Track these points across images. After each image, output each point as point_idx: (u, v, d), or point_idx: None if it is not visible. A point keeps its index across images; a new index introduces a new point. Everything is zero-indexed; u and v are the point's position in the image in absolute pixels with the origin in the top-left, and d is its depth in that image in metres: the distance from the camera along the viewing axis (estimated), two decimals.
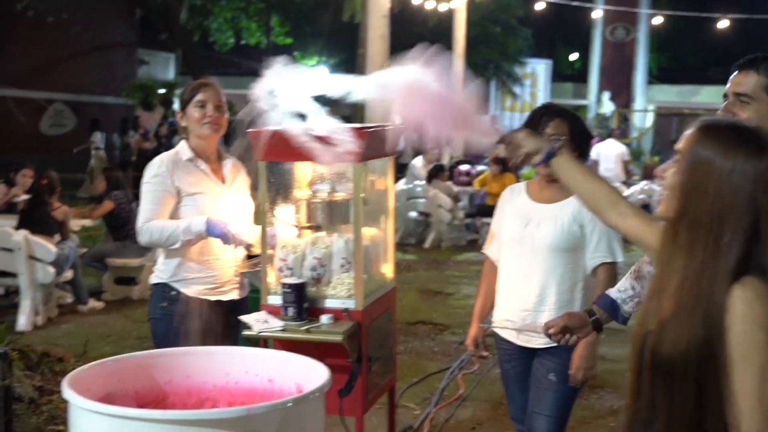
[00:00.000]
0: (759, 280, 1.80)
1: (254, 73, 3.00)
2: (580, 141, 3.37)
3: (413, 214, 12.07)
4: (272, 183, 3.53)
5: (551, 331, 2.81)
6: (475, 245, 12.32)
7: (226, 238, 3.54)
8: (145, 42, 26.84)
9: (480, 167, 14.54)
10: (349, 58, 24.51)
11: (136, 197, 9.10)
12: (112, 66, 24.24)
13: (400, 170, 17.19)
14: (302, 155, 3.23)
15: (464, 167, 13.80)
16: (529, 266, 3.39)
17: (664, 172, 1.94)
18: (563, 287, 3.36)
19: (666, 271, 1.92)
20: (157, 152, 17.82)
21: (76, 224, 8.61)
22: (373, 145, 3.41)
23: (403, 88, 2.42)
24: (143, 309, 8.02)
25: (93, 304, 8.02)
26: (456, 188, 12.80)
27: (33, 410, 4.93)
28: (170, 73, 29.12)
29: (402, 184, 12.41)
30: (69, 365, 5.70)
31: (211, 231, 3.54)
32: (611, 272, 3.36)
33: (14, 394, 4.69)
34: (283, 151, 3.27)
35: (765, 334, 1.78)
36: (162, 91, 22.73)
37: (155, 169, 3.64)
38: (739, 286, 1.80)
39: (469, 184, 13.22)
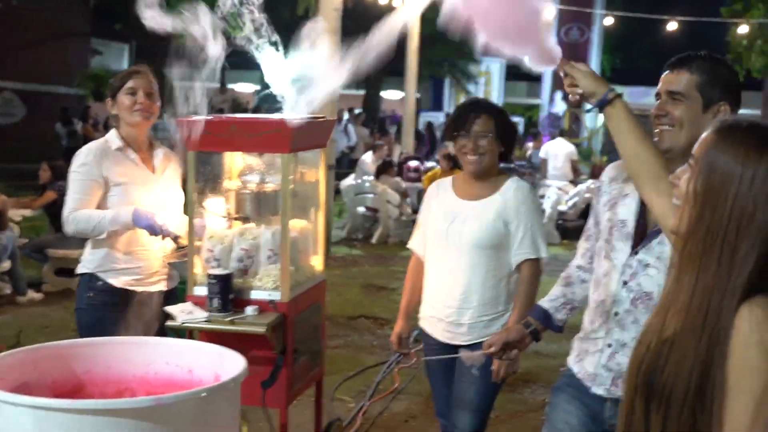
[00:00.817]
0: None
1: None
2: (504, 138, 3.41)
3: (361, 209, 12.08)
4: (202, 173, 3.52)
5: (492, 349, 2.87)
6: None
7: (153, 230, 3.52)
8: (99, 32, 26.42)
9: (429, 164, 14.59)
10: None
11: None
12: (64, 55, 23.82)
13: (351, 165, 17.22)
14: (232, 145, 3.25)
15: (413, 163, 13.83)
16: (455, 263, 3.40)
17: (677, 179, 1.77)
18: (488, 284, 3.38)
19: (675, 286, 1.73)
20: None
21: (16, 214, 8.49)
22: (304, 136, 3.42)
23: None
24: None
25: (32, 295, 7.90)
26: (405, 184, 12.83)
27: None
28: (124, 64, 28.71)
29: (351, 180, 12.41)
30: None
31: (137, 222, 3.51)
32: (535, 268, 3.40)
33: None
34: (214, 141, 3.27)
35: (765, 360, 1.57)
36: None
37: (82, 158, 3.60)
38: (747, 306, 1.61)
39: (418, 180, 13.25)
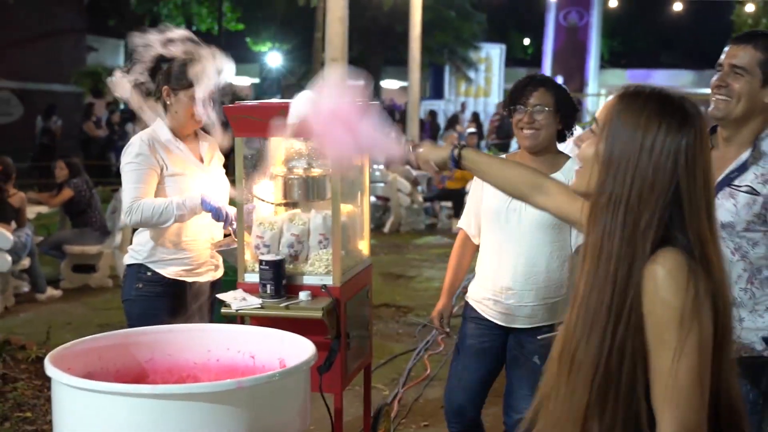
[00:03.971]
0: (676, 252, 1.65)
1: None
2: (565, 112, 3.33)
3: (372, 198, 12.05)
4: (249, 160, 3.49)
5: None
6: (434, 229, 12.37)
7: (219, 214, 3.50)
8: (94, 28, 26.33)
9: None
10: (303, 43, 24.39)
11: (95, 184, 8.96)
12: (60, 53, 23.72)
13: None
14: (279, 131, 3.21)
15: None
16: (516, 243, 3.29)
17: (580, 141, 1.86)
18: (552, 266, 3.28)
19: (584, 252, 1.76)
20: (110, 140, 17.73)
21: (31, 211, 8.44)
22: None
23: (314, 112, 2.42)
24: (103, 297, 7.96)
25: (51, 292, 7.87)
26: (415, 172, 12.79)
27: None
28: (120, 60, 28.63)
29: None
30: (32, 353, 5.59)
31: (205, 205, 3.50)
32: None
33: None
34: (261, 126, 3.24)
35: (677, 312, 1.61)
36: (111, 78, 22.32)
37: (137, 148, 3.54)
38: (651, 264, 1.65)
39: None
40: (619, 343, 1.66)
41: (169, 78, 3.59)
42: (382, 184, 11.89)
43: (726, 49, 2.70)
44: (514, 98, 3.33)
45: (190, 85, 3.54)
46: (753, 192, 2.61)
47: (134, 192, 3.50)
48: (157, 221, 3.48)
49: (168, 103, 3.61)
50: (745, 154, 2.65)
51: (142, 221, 3.49)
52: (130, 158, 3.54)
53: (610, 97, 1.77)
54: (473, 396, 3.46)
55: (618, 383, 1.67)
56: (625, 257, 1.67)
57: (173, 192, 3.55)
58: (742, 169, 2.64)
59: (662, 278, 1.63)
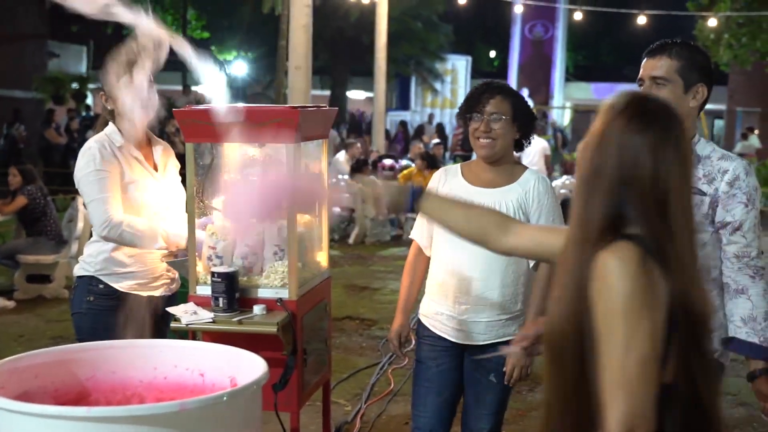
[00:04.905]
0: (628, 243, 1.68)
1: (171, 68, 2.85)
2: (522, 120, 3.22)
3: (337, 209, 11.90)
4: (201, 167, 3.33)
5: (525, 343, 2.73)
6: (400, 240, 12.24)
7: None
8: (56, 34, 25.96)
9: (403, 161, 14.47)
10: (269, 52, 24.23)
11: (56, 192, 8.69)
12: (21, 58, 23.34)
13: None
14: (234, 136, 3.07)
15: (388, 162, 13.70)
16: (470, 257, 3.14)
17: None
18: (507, 281, 3.16)
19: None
20: (69, 147, 17.43)
21: None
22: (309, 125, 3.26)
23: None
24: (57, 308, 7.72)
25: (3, 303, 7.64)
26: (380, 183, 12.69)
27: None
28: (82, 67, 28.26)
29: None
30: None
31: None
32: (554, 267, 3.22)
33: None
34: (214, 131, 3.09)
35: (624, 300, 1.63)
36: (74, 85, 22.02)
37: (95, 155, 3.35)
38: (601, 254, 1.68)
39: (394, 178, 13.12)
40: (578, 328, 1.70)
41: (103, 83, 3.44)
42: (346, 195, 11.74)
43: (643, 62, 2.79)
44: (470, 106, 3.20)
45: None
46: (700, 192, 2.68)
47: (105, 203, 3.30)
48: (136, 245, 3.36)
49: (109, 108, 3.45)
50: None
51: (119, 241, 3.34)
52: (92, 167, 3.34)
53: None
54: (441, 418, 3.32)
55: (582, 369, 1.69)
56: (579, 242, 1.74)
57: (128, 200, 3.38)
58: None
59: (612, 265, 1.65)
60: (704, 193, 2.68)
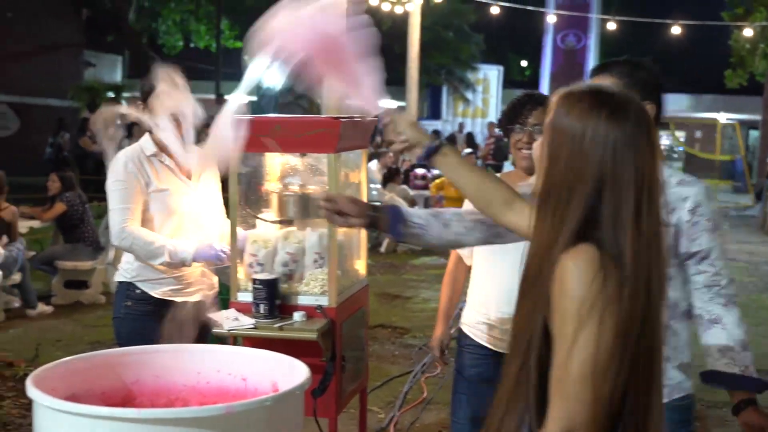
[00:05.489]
0: (590, 247, 1.65)
1: (204, 77, 2.88)
2: None
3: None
4: (243, 176, 3.40)
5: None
6: (431, 250, 12.27)
7: (218, 258, 3.44)
8: (92, 43, 26.30)
9: (435, 171, 14.49)
10: None
11: (90, 199, 8.83)
12: (57, 67, 23.67)
13: None
14: (276, 146, 3.13)
15: (420, 171, 13.74)
16: (512, 266, 3.13)
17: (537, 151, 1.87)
18: None
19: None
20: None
21: (23, 226, 8.34)
22: (349, 136, 3.31)
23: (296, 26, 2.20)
24: (94, 313, 7.84)
25: (42, 308, 7.76)
26: (412, 192, 12.74)
27: None
28: (117, 76, 28.64)
29: None
30: (19, 370, 5.49)
31: (198, 259, 3.46)
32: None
33: None
34: (257, 142, 3.15)
35: (576, 303, 1.61)
36: (109, 93, 22.32)
37: (122, 165, 3.46)
38: (565, 254, 1.65)
39: (425, 188, 13.17)
40: (537, 329, 1.69)
41: (141, 95, 3.55)
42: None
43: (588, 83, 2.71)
44: (511, 117, 3.22)
45: (152, 88, 3.49)
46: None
47: (122, 214, 3.42)
48: (143, 257, 3.44)
49: (144, 117, 3.54)
50: None
51: (129, 249, 3.45)
52: (117, 176, 3.46)
53: (552, 100, 1.79)
54: (480, 426, 3.33)
55: (530, 369, 1.70)
56: (548, 245, 1.69)
57: (160, 208, 3.46)
58: None
59: (569, 269, 1.63)
60: (667, 224, 2.50)
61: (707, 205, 2.57)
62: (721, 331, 2.55)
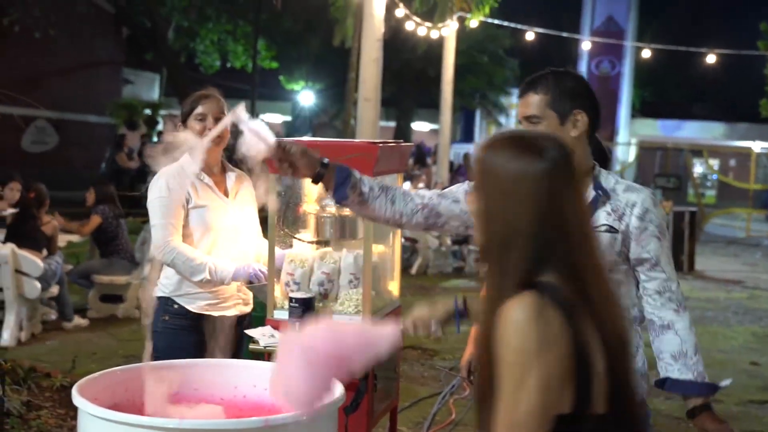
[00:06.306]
0: (531, 296, 1.65)
1: (240, 96, 2.98)
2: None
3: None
4: (282, 197, 3.50)
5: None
6: (462, 272, 12.30)
7: (256, 277, 3.51)
8: (131, 61, 26.75)
9: None
10: (336, 83, 24.60)
11: (125, 215, 8.96)
12: (96, 84, 24.07)
13: None
14: None
15: None
16: None
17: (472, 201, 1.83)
18: None
19: None
20: (141, 171, 17.92)
21: (61, 239, 8.51)
22: (386, 160, 3.39)
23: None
24: (129, 327, 7.96)
25: (78, 321, 7.89)
26: None
27: (21, 425, 4.82)
28: (155, 94, 29.05)
29: None
30: (56, 381, 5.60)
31: (237, 279, 3.52)
32: None
33: (4, 409, 4.60)
34: None
35: (514, 353, 1.63)
36: (147, 111, 22.64)
37: (164, 182, 3.58)
38: (507, 304, 1.65)
39: None
40: (487, 378, 1.70)
41: (181, 116, 3.67)
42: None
43: (519, 103, 2.71)
44: None
45: (191, 110, 3.60)
46: (612, 230, 2.55)
47: (166, 229, 3.50)
48: (184, 273, 3.51)
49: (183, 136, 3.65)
50: (590, 194, 2.58)
51: (173, 265, 3.51)
52: (159, 192, 3.55)
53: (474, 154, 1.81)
54: None
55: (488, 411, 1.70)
56: (496, 297, 1.69)
57: (197, 224, 3.56)
58: (592, 210, 2.56)
59: (509, 319, 1.64)
60: (616, 230, 2.56)
61: (655, 211, 2.59)
62: (674, 336, 2.56)
